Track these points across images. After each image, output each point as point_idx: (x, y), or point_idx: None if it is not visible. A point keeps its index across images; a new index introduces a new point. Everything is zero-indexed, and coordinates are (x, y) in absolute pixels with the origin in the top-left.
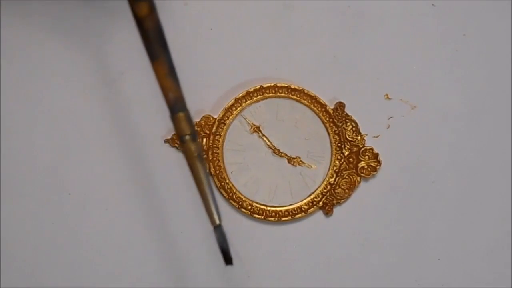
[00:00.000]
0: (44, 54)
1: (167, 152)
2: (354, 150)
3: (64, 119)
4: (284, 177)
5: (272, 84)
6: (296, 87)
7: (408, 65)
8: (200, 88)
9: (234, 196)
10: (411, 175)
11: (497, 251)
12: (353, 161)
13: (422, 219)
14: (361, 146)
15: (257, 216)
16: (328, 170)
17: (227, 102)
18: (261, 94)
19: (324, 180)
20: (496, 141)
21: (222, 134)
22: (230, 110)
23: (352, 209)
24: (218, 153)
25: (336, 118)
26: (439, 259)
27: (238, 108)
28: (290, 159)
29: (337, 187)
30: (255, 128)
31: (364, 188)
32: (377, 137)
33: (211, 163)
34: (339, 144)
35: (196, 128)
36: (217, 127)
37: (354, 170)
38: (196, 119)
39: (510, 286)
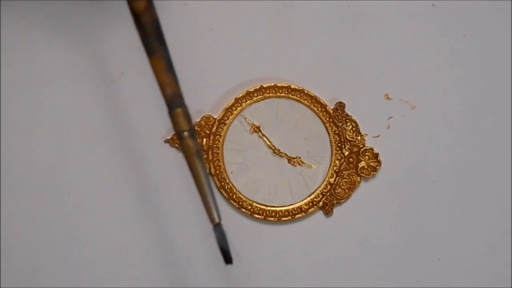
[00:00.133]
0: (44, 54)
1: (167, 152)
2: (354, 150)
3: (64, 119)
4: (284, 177)
5: (272, 84)
6: (296, 87)
7: (408, 65)
8: (200, 88)
9: (234, 196)
10: (411, 175)
11: (497, 251)
12: (353, 161)
13: (422, 219)
14: (361, 146)
15: (257, 216)
16: (328, 170)
17: (227, 102)
18: (261, 94)
19: (324, 180)
20: (496, 141)
21: (222, 134)
22: (230, 110)
23: (352, 209)
24: (218, 153)
25: (336, 118)
26: (439, 259)
27: (238, 108)
28: (290, 159)
29: (337, 187)
30: (255, 128)
31: (364, 188)
32: (377, 137)
33: (211, 163)
34: (339, 144)
35: (196, 128)
36: (217, 127)
37: (354, 170)
38: (196, 119)
39: (510, 286)
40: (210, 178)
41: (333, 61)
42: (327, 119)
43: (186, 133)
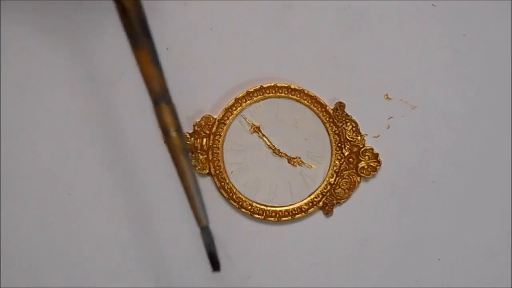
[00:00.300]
0: (44, 54)
1: (167, 152)
2: (354, 150)
3: (64, 119)
4: (284, 177)
5: (272, 84)
6: (296, 87)
7: (408, 65)
8: (200, 88)
9: (234, 196)
10: (411, 175)
11: (497, 251)
12: (353, 161)
13: (422, 219)
14: (361, 146)
15: (257, 216)
16: (328, 170)
17: (227, 102)
18: (261, 94)
19: (324, 180)
20: (496, 141)
21: (222, 134)
22: (230, 110)
23: (352, 209)
24: (218, 153)
25: (336, 118)
26: (439, 259)
27: (238, 108)
28: (290, 159)
29: (337, 187)
30: (255, 128)
31: (364, 188)
32: (377, 137)
33: (211, 163)
34: (339, 144)
35: (196, 128)
36: (217, 127)
37: (354, 170)
38: (196, 119)
39: (510, 286)
40: (210, 178)
41: (333, 61)
42: (327, 119)
43: (173, 132)
